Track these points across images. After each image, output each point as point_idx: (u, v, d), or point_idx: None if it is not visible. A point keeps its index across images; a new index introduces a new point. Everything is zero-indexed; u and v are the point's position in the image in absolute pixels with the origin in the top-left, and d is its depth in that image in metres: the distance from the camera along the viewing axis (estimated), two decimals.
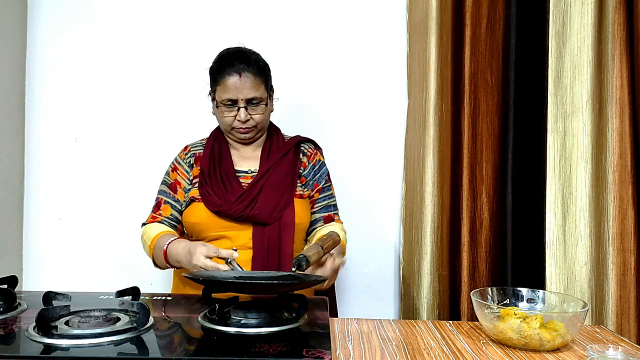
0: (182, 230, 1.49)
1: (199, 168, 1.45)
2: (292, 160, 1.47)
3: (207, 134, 1.93)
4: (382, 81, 1.93)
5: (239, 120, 1.40)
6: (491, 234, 1.79)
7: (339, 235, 1.30)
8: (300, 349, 0.81)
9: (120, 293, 1.00)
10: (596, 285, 1.66)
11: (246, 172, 1.45)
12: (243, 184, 1.42)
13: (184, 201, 1.44)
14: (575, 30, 1.69)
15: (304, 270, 1.11)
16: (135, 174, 1.94)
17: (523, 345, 1.02)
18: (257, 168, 1.46)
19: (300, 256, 1.12)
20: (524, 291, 1.18)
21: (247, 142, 1.48)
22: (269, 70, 1.47)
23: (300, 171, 1.48)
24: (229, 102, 1.40)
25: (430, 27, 1.77)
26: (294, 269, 1.11)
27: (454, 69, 1.82)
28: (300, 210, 1.42)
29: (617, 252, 1.62)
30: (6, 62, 1.84)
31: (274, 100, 1.50)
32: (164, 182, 1.50)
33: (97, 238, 1.94)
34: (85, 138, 1.95)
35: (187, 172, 1.47)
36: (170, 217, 1.44)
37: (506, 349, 1.03)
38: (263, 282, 1.03)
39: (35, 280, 1.92)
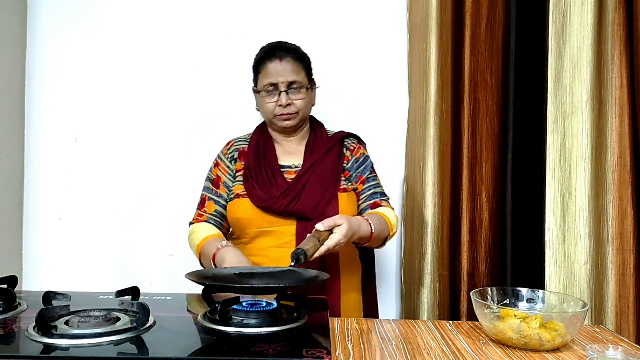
0: (228, 227, 1.50)
1: (242, 163, 1.47)
2: (336, 156, 1.47)
3: (207, 134, 1.94)
4: (383, 81, 1.93)
5: (280, 106, 1.41)
6: (491, 234, 1.80)
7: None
8: (300, 349, 0.81)
9: (120, 293, 1.00)
10: (596, 285, 1.66)
11: (290, 167, 1.46)
12: (287, 179, 1.43)
13: (227, 196, 1.46)
14: (575, 30, 1.69)
15: (302, 264, 1.12)
16: (135, 174, 1.94)
17: (523, 346, 1.02)
18: (301, 163, 1.46)
19: (299, 250, 1.12)
20: (524, 291, 1.18)
21: (289, 132, 1.48)
22: (309, 61, 1.49)
23: (344, 165, 1.48)
24: (270, 87, 1.41)
25: (430, 27, 1.77)
26: (292, 264, 1.11)
27: (454, 70, 1.82)
28: (345, 205, 1.41)
29: (617, 252, 1.62)
30: (6, 62, 1.84)
31: (316, 92, 1.51)
32: (207, 179, 1.52)
33: (97, 238, 1.94)
34: (85, 138, 1.95)
35: (228, 167, 1.49)
36: (215, 213, 1.46)
37: (506, 349, 1.03)
38: (266, 286, 1.03)
39: (35, 280, 1.92)
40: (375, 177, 1.51)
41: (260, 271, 1.16)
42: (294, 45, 1.47)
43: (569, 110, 1.70)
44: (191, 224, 1.50)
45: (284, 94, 1.40)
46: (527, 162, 1.77)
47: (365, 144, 1.58)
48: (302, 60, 1.45)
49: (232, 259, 1.27)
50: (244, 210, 1.40)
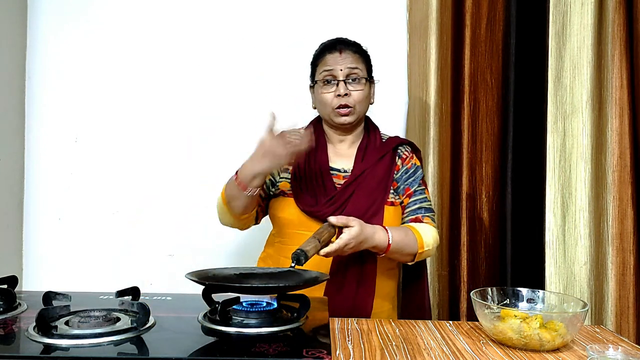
0: (265, 208, 1.45)
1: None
2: (388, 165, 1.41)
3: (207, 134, 1.94)
4: (383, 81, 1.93)
5: (338, 95, 1.37)
6: (491, 234, 1.80)
7: (334, 228, 1.22)
8: (300, 349, 0.81)
9: (120, 293, 1.00)
10: (596, 285, 1.66)
11: (339, 171, 1.42)
12: (335, 184, 1.39)
13: (269, 184, 1.42)
14: (575, 30, 1.69)
15: (302, 265, 1.11)
16: (135, 174, 1.94)
17: (523, 346, 1.02)
18: (351, 167, 1.41)
19: (298, 251, 1.12)
20: (524, 291, 1.18)
21: (346, 130, 1.44)
22: (369, 57, 1.47)
23: (394, 175, 1.42)
24: (328, 76, 1.39)
25: (430, 27, 1.77)
26: (292, 265, 1.11)
27: (453, 69, 1.82)
28: (390, 219, 1.36)
29: (617, 252, 1.62)
30: (6, 62, 1.84)
31: (374, 89, 1.47)
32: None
33: (97, 238, 1.94)
34: (85, 138, 1.95)
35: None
36: None
37: (506, 349, 1.03)
38: (267, 285, 1.03)
39: (35, 280, 1.92)
40: (423, 191, 1.44)
41: (261, 271, 1.16)
42: (355, 40, 1.46)
43: (569, 110, 1.70)
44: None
45: (342, 83, 1.37)
46: (527, 162, 1.77)
47: (419, 151, 1.52)
48: (362, 53, 1.43)
49: (245, 162, 1.25)
50: (288, 210, 1.37)
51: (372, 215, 1.34)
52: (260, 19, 1.93)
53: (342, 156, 1.45)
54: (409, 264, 1.40)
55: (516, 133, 1.78)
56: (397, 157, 1.45)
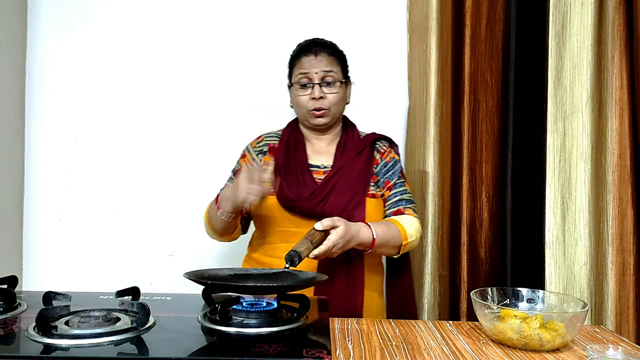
0: (246, 217, 1.48)
1: (271, 158, 1.45)
2: (366, 159, 1.44)
3: (207, 134, 1.94)
4: (383, 81, 1.93)
5: (313, 99, 1.40)
6: (491, 234, 1.80)
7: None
8: (300, 349, 0.81)
9: (120, 293, 1.00)
10: (595, 285, 1.66)
11: (319, 167, 1.45)
12: (316, 179, 1.41)
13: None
14: (575, 30, 1.69)
15: (296, 266, 1.12)
16: (135, 174, 1.94)
17: (523, 346, 1.02)
18: (331, 163, 1.44)
19: (292, 252, 1.12)
20: (524, 291, 1.18)
21: (322, 130, 1.47)
22: (345, 57, 1.48)
23: (373, 169, 1.45)
24: (303, 79, 1.41)
25: (430, 27, 1.77)
26: (287, 266, 1.11)
27: (454, 70, 1.82)
28: (372, 211, 1.39)
29: (617, 252, 1.62)
30: (6, 62, 1.84)
31: (350, 89, 1.50)
32: (232, 170, 1.51)
33: (97, 238, 1.94)
34: (85, 138, 1.95)
35: (253, 160, 1.47)
36: None
37: (506, 349, 1.03)
38: (268, 285, 1.03)
39: (35, 280, 1.92)
40: (403, 183, 1.47)
41: (255, 272, 1.16)
42: (330, 41, 1.47)
43: (569, 110, 1.70)
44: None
45: (317, 87, 1.40)
46: (527, 162, 1.77)
47: (397, 146, 1.56)
48: (337, 55, 1.45)
49: (225, 191, 1.29)
50: (269, 207, 1.38)
51: (354, 208, 1.37)
52: (260, 20, 1.93)
53: (321, 153, 1.48)
54: (395, 257, 1.42)
55: (516, 133, 1.78)
56: (375, 152, 1.48)
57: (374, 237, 1.29)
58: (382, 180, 1.46)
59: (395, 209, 1.43)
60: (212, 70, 1.93)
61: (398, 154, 1.53)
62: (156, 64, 1.94)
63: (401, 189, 1.46)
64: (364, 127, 1.95)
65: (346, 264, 1.36)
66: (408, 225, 1.38)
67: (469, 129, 1.80)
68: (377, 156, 1.48)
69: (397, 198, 1.44)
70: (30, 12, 1.94)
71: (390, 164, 1.48)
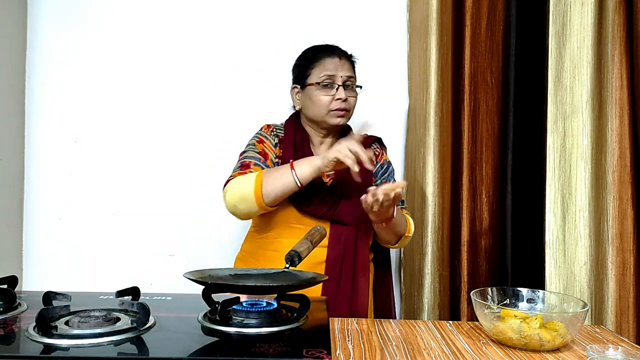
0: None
1: (281, 150, 1.45)
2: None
3: (207, 134, 1.94)
4: (383, 81, 1.93)
5: (338, 99, 1.41)
6: (491, 233, 1.80)
7: (324, 230, 1.26)
8: (300, 349, 0.81)
9: (120, 293, 1.00)
10: (596, 285, 1.66)
11: None
12: (323, 180, 1.44)
13: None
14: (575, 30, 1.69)
15: (296, 266, 1.12)
16: (135, 174, 1.94)
17: (523, 346, 1.02)
18: None
19: (292, 252, 1.13)
20: (524, 291, 1.18)
21: (331, 131, 1.48)
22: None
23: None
24: (327, 80, 1.42)
25: (430, 27, 1.77)
26: (287, 266, 1.11)
27: (454, 70, 1.82)
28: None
29: (617, 252, 1.62)
30: (6, 62, 1.84)
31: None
32: (251, 149, 1.45)
33: (97, 238, 1.94)
34: (85, 138, 1.95)
35: (273, 147, 1.46)
36: None
37: (506, 349, 1.03)
38: (266, 284, 1.03)
39: (35, 280, 1.92)
40: None
41: (255, 272, 1.16)
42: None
43: (569, 110, 1.70)
44: (228, 182, 1.38)
45: (341, 88, 1.41)
46: (527, 162, 1.77)
47: (386, 148, 1.60)
48: (353, 63, 1.49)
49: (306, 159, 1.32)
50: (283, 208, 1.38)
51: (363, 210, 1.37)
52: (260, 20, 1.93)
53: None
54: (391, 246, 1.47)
55: (516, 133, 1.78)
56: (372, 154, 1.48)
57: (394, 214, 1.34)
58: (379, 182, 1.50)
59: None
60: (213, 71, 1.93)
61: (388, 156, 1.57)
62: (156, 65, 1.93)
63: None
64: None
65: (352, 266, 1.39)
66: (411, 223, 1.48)
67: (469, 129, 1.80)
68: (374, 158, 1.48)
69: None
70: (30, 12, 1.94)
71: (385, 166, 1.54)
